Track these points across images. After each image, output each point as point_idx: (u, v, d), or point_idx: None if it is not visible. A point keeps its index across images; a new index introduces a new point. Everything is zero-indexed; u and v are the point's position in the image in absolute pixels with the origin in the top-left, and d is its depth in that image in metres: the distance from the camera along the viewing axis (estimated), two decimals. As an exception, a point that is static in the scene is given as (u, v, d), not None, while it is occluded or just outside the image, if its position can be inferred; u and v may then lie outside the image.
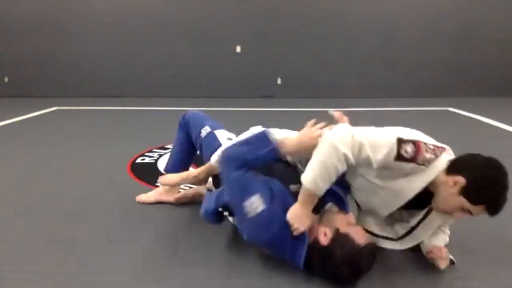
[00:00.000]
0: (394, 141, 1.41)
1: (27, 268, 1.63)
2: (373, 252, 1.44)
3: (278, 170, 1.67)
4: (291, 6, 6.54)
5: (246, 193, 1.48)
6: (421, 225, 1.60)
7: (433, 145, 1.47)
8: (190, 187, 2.30)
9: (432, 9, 6.52)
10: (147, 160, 3.11)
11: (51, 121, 4.89)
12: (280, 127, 1.81)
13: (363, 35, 6.61)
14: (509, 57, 6.64)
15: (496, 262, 1.68)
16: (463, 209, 1.43)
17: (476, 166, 1.42)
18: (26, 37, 6.73)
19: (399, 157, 1.41)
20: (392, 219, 1.67)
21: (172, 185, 2.05)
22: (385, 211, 1.58)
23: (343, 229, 1.44)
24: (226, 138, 2.03)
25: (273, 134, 1.61)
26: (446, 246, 1.62)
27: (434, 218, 1.58)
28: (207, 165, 1.94)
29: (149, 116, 5.19)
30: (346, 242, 1.41)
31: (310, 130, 1.56)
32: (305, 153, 1.52)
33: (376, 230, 1.67)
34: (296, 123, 1.82)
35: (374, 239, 1.62)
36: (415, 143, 1.42)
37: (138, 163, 3.05)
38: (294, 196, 1.54)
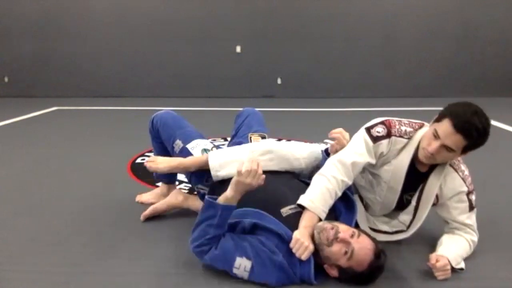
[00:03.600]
0: (363, 132, 1.64)
1: (27, 268, 1.63)
2: (381, 258, 1.44)
3: (262, 198, 1.63)
4: (291, 6, 6.54)
5: (228, 263, 1.48)
6: (420, 202, 1.66)
7: (408, 120, 1.66)
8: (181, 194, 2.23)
9: (432, 9, 6.51)
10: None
11: (51, 121, 4.89)
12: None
13: (363, 35, 6.60)
14: (509, 57, 6.63)
15: (496, 262, 1.68)
16: (434, 135, 1.49)
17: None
18: (26, 37, 6.71)
19: (374, 138, 1.60)
20: (396, 214, 1.77)
21: (159, 172, 1.90)
22: (391, 199, 1.69)
23: (344, 263, 1.43)
24: (201, 151, 1.93)
25: (214, 160, 1.74)
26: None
27: (430, 189, 1.64)
28: (198, 159, 1.85)
29: (149, 116, 5.18)
30: (352, 271, 1.44)
31: (245, 174, 1.47)
32: (249, 189, 1.51)
33: (387, 228, 1.77)
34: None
35: (387, 236, 1.75)
36: (383, 122, 1.64)
37: (138, 163, 3.05)
38: (286, 220, 1.55)
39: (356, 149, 1.62)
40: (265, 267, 1.46)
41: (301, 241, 1.45)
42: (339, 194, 1.61)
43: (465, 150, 1.50)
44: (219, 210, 1.48)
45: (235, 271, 1.48)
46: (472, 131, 1.42)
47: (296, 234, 1.48)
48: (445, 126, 1.46)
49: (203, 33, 6.64)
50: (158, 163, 1.86)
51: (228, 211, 1.51)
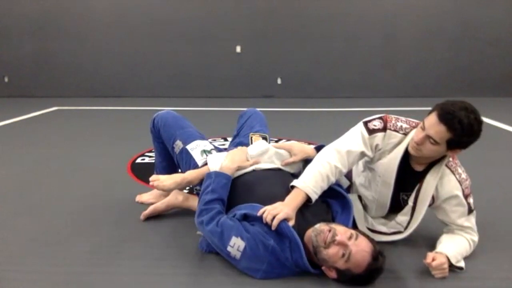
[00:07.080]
0: (360, 125, 1.69)
1: (27, 268, 1.63)
2: (379, 260, 1.44)
3: (259, 194, 1.68)
4: (291, 6, 6.54)
5: (223, 241, 1.53)
6: (417, 202, 1.66)
7: (406, 118, 1.70)
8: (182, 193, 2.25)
9: (432, 9, 6.51)
10: (147, 160, 3.11)
11: (51, 121, 4.89)
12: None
13: (363, 35, 6.61)
14: (509, 57, 6.64)
15: (496, 262, 1.68)
16: (421, 127, 1.51)
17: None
18: (26, 37, 6.72)
19: (370, 131, 1.65)
20: (394, 216, 1.77)
21: (166, 190, 1.92)
22: (386, 195, 1.70)
23: (341, 265, 1.43)
24: (200, 153, 1.96)
25: (213, 163, 1.83)
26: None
27: (426, 189, 1.63)
28: (200, 171, 1.88)
29: (149, 116, 5.17)
30: (350, 273, 1.44)
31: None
32: (242, 163, 1.81)
33: (384, 229, 1.78)
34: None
35: (385, 237, 1.75)
36: (381, 117, 1.68)
37: (138, 163, 3.05)
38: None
39: (352, 139, 1.67)
40: (258, 250, 1.49)
41: (268, 210, 1.51)
42: (333, 179, 1.64)
43: (450, 145, 1.48)
44: (212, 177, 1.71)
45: (229, 249, 1.52)
46: (455, 123, 1.42)
47: (267, 206, 1.54)
48: (431, 117, 1.49)
49: (203, 33, 6.64)
50: (163, 181, 1.87)
51: (221, 177, 1.70)
